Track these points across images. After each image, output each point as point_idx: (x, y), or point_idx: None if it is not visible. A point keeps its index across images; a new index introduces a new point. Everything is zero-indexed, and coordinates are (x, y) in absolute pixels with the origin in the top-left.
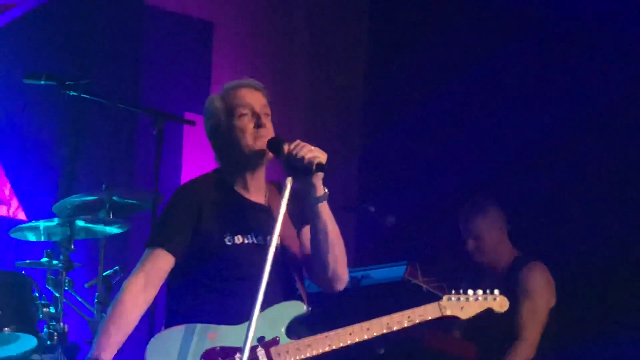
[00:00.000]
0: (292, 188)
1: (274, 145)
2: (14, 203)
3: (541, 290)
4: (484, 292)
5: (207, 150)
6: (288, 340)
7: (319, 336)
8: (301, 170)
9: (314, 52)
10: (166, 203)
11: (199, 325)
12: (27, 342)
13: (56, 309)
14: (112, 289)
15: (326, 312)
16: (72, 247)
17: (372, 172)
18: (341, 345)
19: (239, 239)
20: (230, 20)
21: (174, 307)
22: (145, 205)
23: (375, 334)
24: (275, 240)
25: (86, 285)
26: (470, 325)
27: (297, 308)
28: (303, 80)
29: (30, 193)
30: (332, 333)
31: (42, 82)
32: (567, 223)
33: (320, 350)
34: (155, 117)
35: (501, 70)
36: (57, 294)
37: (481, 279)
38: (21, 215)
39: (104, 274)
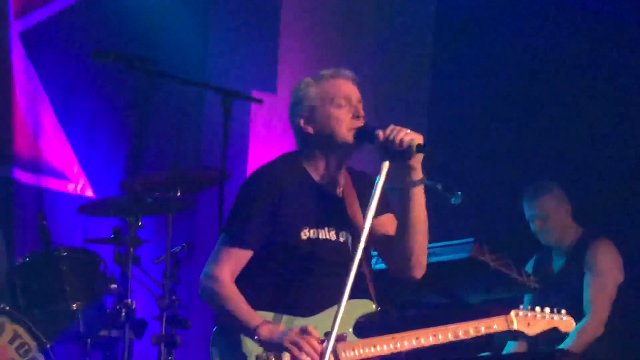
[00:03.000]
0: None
1: (366, 132)
2: (82, 180)
3: (609, 266)
4: (552, 311)
5: (273, 128)
6: (355, 337)
7: (385, 336)
8: (399, 154)
9: (381, 31)
10: (244, 186)
11: (270, 314)
12: None
13: (123, 286)
14: (180, 266)
15: (392, 288)
16: (140, 223)
17: (439, 151)
18: (406, 347)
19: (314, 233)
20: None
21: (241, 292)
22: (213, 182)
23: (441, 340)
24: (365, 236)
25: (154, 262)
26: (536, 303)
27: (367, 307)
28: (370, 59)
29: (98, 170)
30: (398, 335)
31: (110, 61)
32: (631, 199)
33: (386, 350)
34: (222, 95)
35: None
36: (124, 271)
37: (547, 258)
38: (89, 193)
39: (172, 250)
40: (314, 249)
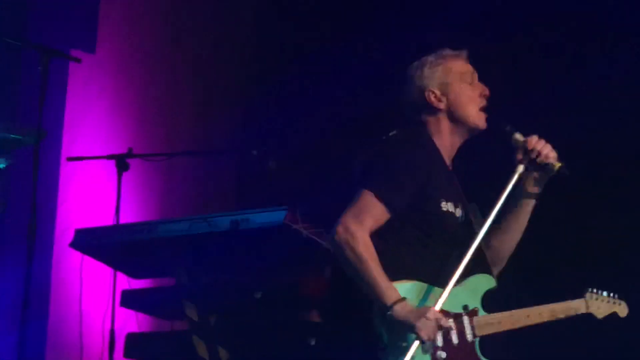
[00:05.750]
0: None
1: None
2: None
3: None
4: (613, 296)
5: (91, 88)
6: (483, 312)
7: (507, 313)
8: (538, 166)
9: None
10: (394, 150)
11: (424, 285)
12: None
13: None
14: None
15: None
16: None
17: (256, 116)
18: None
19: (451, 207)
20: None
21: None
22: (28, 141)
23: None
24: (491, 219)
25: None
26: None
27: (490, 282)
28: (192, 24)
29: None
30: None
31: None
32: None
33: (510, 327)
34: (40, 53)
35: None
36: None
37: None
38: None
39: None
40: (449, 222)
